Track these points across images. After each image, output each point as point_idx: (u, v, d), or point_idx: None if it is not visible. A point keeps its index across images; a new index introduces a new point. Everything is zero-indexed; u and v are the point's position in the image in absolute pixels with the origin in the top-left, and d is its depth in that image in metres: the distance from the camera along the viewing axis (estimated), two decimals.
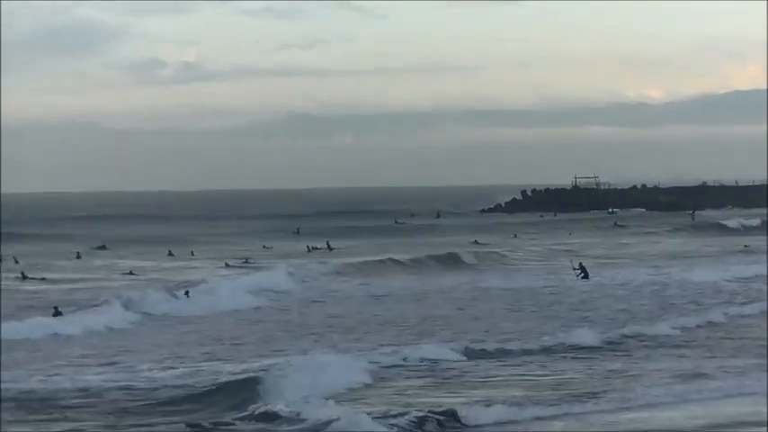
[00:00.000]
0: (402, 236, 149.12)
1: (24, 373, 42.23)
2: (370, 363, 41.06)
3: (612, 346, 47.40)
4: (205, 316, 61.89)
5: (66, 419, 33.39)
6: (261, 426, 30.92)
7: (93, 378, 40.37)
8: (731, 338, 50.26)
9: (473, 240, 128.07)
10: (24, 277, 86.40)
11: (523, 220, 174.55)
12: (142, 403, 35.13)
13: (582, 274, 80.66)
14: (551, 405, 34.14)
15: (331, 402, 32.90)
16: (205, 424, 31.53)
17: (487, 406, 33.08)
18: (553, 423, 32.72)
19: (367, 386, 37.48)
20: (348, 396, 35.60)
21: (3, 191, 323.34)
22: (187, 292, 68.07)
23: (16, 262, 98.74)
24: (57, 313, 60.72)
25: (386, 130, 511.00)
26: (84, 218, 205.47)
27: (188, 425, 31.43)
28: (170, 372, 40.99)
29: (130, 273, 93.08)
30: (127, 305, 62.43)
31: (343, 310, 63.88)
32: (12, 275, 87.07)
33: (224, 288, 71.55)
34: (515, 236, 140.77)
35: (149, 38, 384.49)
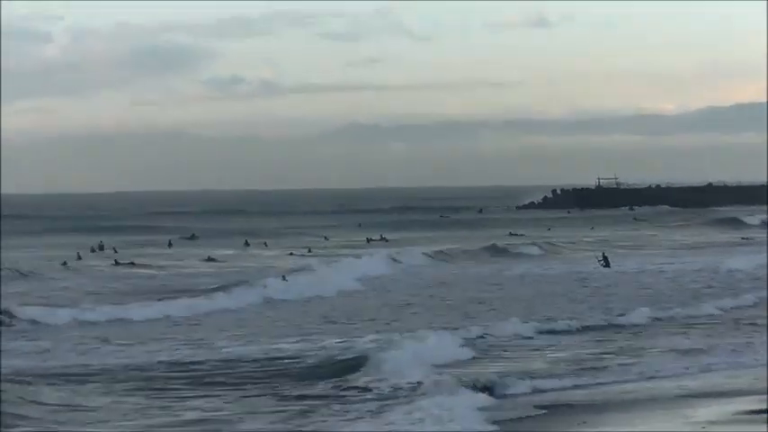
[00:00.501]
0: (449, 228, 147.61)
1: (172, 344, 42.04)
2: (466, 339, 40.00)
3: (667, 323, 46.50)
4: (316, 297, 60.47)
5: (222, 384, 32.84)
6: (369, 396, 29.82)
7: (236, 350, 39.84)
8: None
9: (508, 233, 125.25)
10: (117, 263, 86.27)
11: (554, 216, 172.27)
12: (293, 370, 34.32)
13: (604, 263, 79.26)
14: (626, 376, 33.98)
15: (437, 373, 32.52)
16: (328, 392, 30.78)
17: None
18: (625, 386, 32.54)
19: (468, 360, 36.52)
20: (452, 368, 34.70)
21: (111, 190, 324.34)
22: (284, 277, 66.86)
23: (115, 251, 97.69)
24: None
25: (434, 136, 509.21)
26: (178, 213, 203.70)
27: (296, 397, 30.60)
28: (292, 345, 40.30)
29: (209, 259, 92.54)
30: (249, 288, 62.03)
31: (434, 291, 62.87)
32: (109, 262, 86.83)
33: (332, 272, 70.68)
34: (549, 229, 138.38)
35: (232, 58, 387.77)
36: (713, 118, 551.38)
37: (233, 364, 36.61)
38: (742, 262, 77.37)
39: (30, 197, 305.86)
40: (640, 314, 48.32)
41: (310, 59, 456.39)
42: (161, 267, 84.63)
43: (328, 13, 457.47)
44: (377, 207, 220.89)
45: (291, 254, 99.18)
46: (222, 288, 62.64)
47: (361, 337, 42.35)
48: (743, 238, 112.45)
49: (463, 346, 38.67)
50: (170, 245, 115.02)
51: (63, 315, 52.68)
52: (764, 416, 26.55)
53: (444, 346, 38.23)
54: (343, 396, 30.28)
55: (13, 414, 27.58)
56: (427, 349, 37.07)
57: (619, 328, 45.88)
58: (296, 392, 30.94)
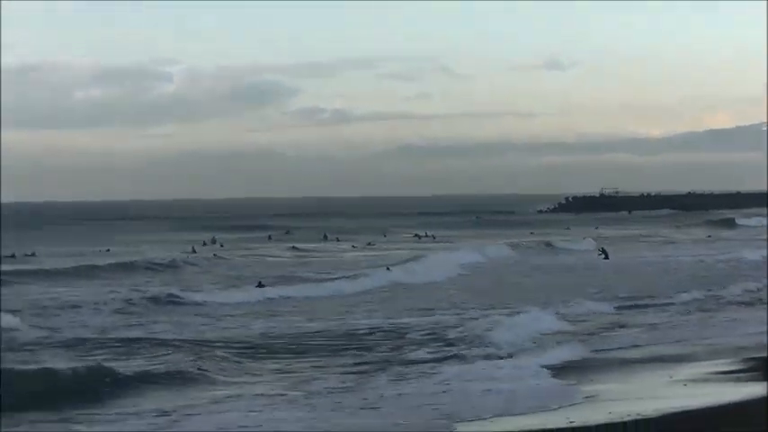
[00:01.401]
0: (488, 227, 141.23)
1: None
2: (559, 314, 38.70)
3: (702, 303, 43.60)
4: (431, 282, 57.27)
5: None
6: (484, 364, 27.87)
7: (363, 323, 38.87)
8: None
9: (530, 232, 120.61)
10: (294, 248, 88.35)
11: (566, 218, 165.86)
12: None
13: (603, 256, 75.71)
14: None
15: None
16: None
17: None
18: None
19: (563, 332, 34.67)
20: (550, 336, 33.44)
21: (222, 196, 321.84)
22: (388, 268, 63.91)
23: (221, 245, 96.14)
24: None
25: (470, 154, 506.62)
26: (276, 215, 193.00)
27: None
28: (416, 319, 38.88)
29: (293, 248, 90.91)
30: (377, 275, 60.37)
31: (522, 278, 59.78)
32: (227, 252, 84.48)
33: (437, 262, 67.51)
34: (568, 228, 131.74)
35: (313, 93, 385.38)
36: (691, 141, 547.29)
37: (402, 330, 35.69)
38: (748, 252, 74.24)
39: (161, 202, 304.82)
40: (689, 294, 45.91)
41: (374, 94, 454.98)
42: (276, 256, 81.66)
43: (387, 58, 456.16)
44: (428, 210, 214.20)
45: (353, 246, 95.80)
46: (357, 274, 60.37)
47: (476, 311, 41.09)
48: (708, 236, 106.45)
49: (560, 319, 37.33)
50: (270, 238, 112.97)
51: (224, 296, 50.30)
52: None
53: (544, 319, 36.91)
54: (463, 355, 28.99)
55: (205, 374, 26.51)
56: (530, 321, 35.84)
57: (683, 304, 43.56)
58: (421, 355, 29.53)
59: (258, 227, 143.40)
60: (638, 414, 20.24)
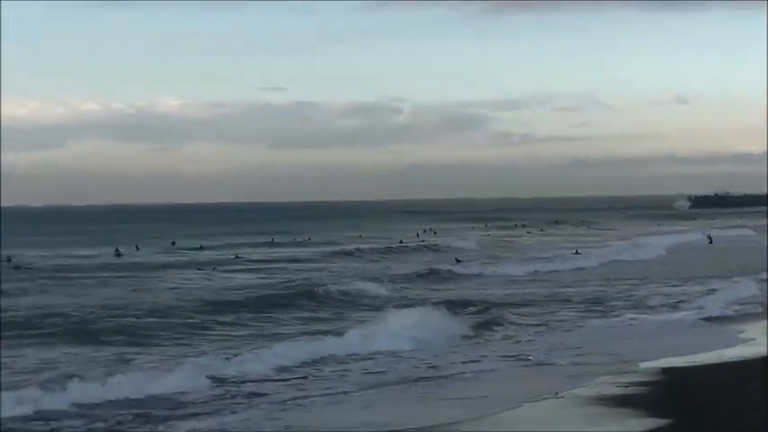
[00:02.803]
0: (646, 219, 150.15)
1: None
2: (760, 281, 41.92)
3: None
4: (640, 260, 63.12)
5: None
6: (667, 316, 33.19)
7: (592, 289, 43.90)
8: None
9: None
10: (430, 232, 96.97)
11: (698, 212, 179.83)
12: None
13: (709, 240, 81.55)
14: None
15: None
16: None
17: None
18: None
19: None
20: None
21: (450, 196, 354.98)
22: (576, 251, 68.34)
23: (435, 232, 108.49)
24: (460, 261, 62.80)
25: (620, 168, 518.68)
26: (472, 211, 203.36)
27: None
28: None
29: (426, 232, 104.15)
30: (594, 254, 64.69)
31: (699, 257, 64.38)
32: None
33: (643, 245, 73.07)
34: (714, 218, 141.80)
35: (506, 121, 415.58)
36: None
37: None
38: None
39: (394, 202, 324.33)
40: None
41: (550, 122, 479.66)
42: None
43: (559, 95, 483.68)
44: (589, 207, 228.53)
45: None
46: (563, 255, 65.83)
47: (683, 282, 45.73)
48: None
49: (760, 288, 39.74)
50: (486, 226, 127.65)
51: (498, 268, 56.79)
52: None
53: (747, 286, 40.77)
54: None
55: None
56: (737, 288, 39.98)
57: None
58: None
59: (465, 218, 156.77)
60: None
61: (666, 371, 21.97)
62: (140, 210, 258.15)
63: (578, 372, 22.32)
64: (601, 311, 35.20)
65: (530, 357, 24.81)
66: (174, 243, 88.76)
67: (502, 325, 31.64)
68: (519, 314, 34.35)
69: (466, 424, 17.24)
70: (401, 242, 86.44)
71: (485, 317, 33.17)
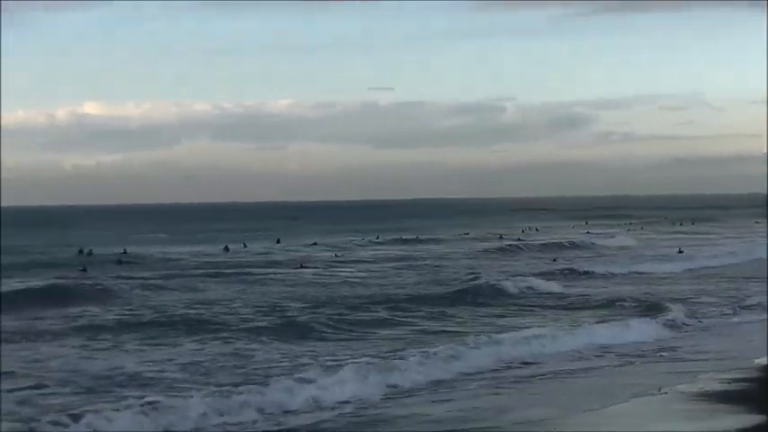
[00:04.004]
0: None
1: None
2: None
3: None
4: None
5: None
6: None
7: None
8: None
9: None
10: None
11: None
12: None
13: None
14: None
15: None
16: None
17: None
18: None
19: None
20: None
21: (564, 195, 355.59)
22: (680, 250, 67.97)
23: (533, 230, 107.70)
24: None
25: (725, 164, 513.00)
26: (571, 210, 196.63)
27: None
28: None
29: (529, 230, 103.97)
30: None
31: None
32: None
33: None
34: None
35: (608, 120, 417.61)
36: None
37: None
38: None
39: (501, 200, 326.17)
40: None
41: (652, 121, 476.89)
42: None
43: (663, 96, 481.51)
44: (687, 205, 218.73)
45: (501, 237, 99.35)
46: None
47: None
48: None
49: None
50: (587, 223, 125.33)
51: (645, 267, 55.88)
52: None
53: None
54: None
55: None
56: None
57: None
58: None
59: (565, 217, 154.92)
60: None
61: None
62: (247, 208, 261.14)
63: (683, 368, 22.95)
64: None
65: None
66: (278, 241, 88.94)
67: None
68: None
69: (574, 416, 17.99)
70: (501, 236, 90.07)
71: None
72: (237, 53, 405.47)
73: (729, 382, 20.40)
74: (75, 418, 16.51)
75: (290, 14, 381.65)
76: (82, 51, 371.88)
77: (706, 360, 24.16)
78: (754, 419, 16.55)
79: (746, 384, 20.11)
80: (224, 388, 19.13)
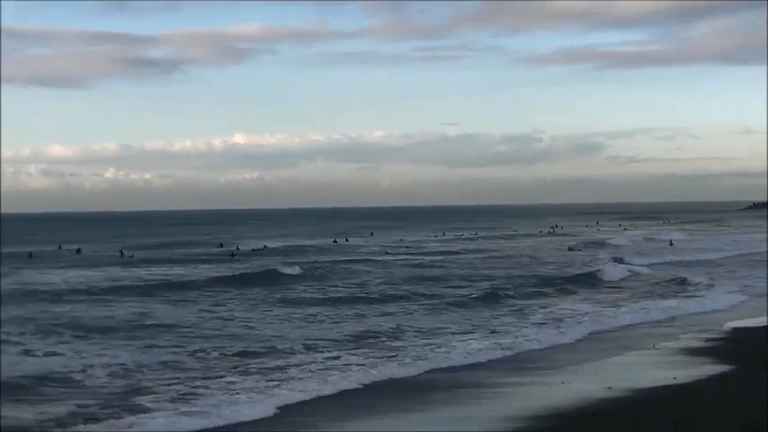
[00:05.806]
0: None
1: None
2: None
3: None
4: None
5: None
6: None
7: None
8: None
9: None
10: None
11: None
12: None
13: None
14: None
15: None
16: None
17: None
18: None
19: None
20: None
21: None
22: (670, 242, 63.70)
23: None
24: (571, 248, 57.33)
25: (707, 180, 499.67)
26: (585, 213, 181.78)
27: None
28: None
29: (555, 227, 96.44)
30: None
31: None
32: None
33: None
34: None
35: (616, 146, 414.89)
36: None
37: None
38: None
39: (523, 206, 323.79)
40: None
41: (649, 148, 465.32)
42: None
43: (656, 128, 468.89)
44: (683, 210, 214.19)
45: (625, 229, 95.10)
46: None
47: None
48: None
49: None
50: (621, 225, 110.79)
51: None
52: None
53: None
54: None
55: None
56: None
57: None
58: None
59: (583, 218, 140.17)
60: None
61: (736, 329, 22.21)
62: (350, 211, 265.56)
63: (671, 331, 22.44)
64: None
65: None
66: (372, 233, 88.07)
67: None
68: None
69: (586, 364, 18.06)
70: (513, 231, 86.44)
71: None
72: (345, 95, 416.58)
73: (705, 341, 20.45)
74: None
75: (391, 69, 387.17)
76: (231, 96, 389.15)
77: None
78: (720, 368, 16.72)
79: (719, 342, 20.21)
80: None
